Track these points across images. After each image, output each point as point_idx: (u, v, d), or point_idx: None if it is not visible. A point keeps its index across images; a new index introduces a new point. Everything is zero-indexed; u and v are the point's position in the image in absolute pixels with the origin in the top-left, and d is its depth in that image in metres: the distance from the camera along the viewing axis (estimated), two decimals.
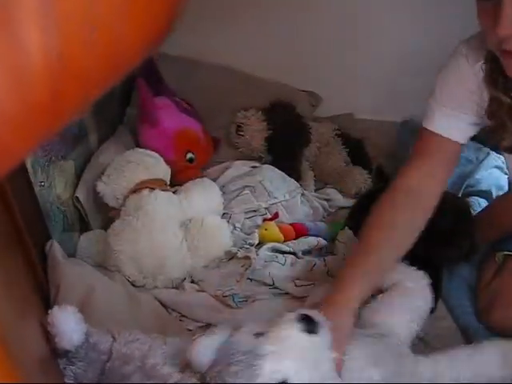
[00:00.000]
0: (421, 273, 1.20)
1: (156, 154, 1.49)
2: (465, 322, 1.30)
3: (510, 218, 1.36)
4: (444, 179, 1.18)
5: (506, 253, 1.31)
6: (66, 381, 0.90)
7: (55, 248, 1.21)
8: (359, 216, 1.49)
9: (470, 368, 1.06)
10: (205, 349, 0.85)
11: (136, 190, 1.39)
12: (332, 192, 1.69)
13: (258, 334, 0.84)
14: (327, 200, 1.66)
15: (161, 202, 1.35)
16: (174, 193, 1.45)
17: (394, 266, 1.13)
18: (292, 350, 0.81)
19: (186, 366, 0.89)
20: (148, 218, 1.30)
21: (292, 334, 0.82)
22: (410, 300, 1.15)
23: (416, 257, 1.25)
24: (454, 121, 1.11)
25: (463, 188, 1.65)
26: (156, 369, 0.88)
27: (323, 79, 2.03)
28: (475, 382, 1.06)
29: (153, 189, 1.39)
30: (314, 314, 0.85)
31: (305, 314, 0.84)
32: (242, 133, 1.73)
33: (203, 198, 1.45)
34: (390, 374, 1.00)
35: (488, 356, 1.08)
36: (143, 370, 0.88)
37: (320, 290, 1.20)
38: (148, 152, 1.50)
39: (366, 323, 1.10)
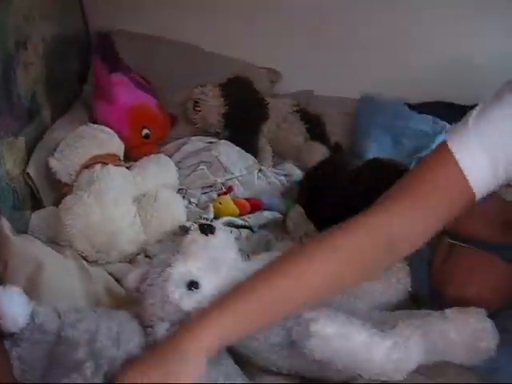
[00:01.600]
0: None
1: (109, 130, 1.48)
2: (419, 291, 1.31)
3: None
4: (432, 231, 0.90)
5: (449, 241, 1.31)
6: (12, 362, 0.88)
7: (3, 224, 1.19)
8: (307, 192, 1.50)
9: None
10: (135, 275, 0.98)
11: (89, 165, 1.38)
12: (290, 167, 1.69)
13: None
14: (285, 175, 1.66)
15: (114, 177, 1.34)
16: (128, 168, 1.43)
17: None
18: (193, 252, 0.94)
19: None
20: (100, 193, 1.29)
21: (192, 238, 0.96)
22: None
23: None
24: (487, 164, 0.84)
25: (414, 158, 1.66)
26: (104, 351, 0.87)
27: (284, 56, 2.02)
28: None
29: (106, 164, 1.38)
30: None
31: (203, 223, 1.01)
32: (198, 109, 1.72)
33: (158, 174, 1.44)
34: None
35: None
36: (92, 353, 0.86)
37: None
38: (101, 127, 1.48)
39: None
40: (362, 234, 0.87)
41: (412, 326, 1.01)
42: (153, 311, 0.91)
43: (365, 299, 1.14)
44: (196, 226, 1.01)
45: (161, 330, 0.88)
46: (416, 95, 1.98)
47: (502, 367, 1.08)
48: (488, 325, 1.06)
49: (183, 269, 0.91)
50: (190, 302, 0.89)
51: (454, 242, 1.30)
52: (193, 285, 0.90)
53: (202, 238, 0.96)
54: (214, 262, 0.95)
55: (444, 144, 0.87)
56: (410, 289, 1.19)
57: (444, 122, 1.88)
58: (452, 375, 1.07)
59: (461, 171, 0.84)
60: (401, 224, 0.87)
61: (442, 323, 1.08)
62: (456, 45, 1.89)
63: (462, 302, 1.20)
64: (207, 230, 0.97)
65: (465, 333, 1.07)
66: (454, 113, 1.92)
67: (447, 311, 1.10)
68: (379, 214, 0.88)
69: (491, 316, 1.21)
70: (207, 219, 1.37)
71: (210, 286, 0.91)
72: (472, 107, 0.92)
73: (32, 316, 0.88)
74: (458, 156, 0.85)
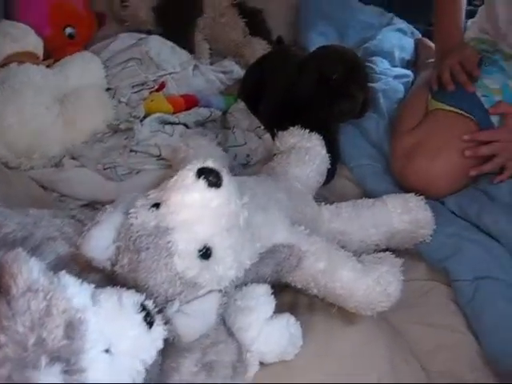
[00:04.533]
0: (314, 134, 1.16)
1: (24, 25, 1.36)
2: (372, 184, 1.25)
3: None
4: None
5: (444, 106, 1.26)
6: None
7: None
8: (250, 86, 1.41)
9: (373, 215, 1.05)
10: (99, 241, 0.74)
11: (3, 64, 1.28)
12: (229, 64, 1.59)
13: (156, 206, 0.74)
14: (224, 72, 1.56)
15: (30, 75, 1.23)
16: (48, 67, 1.31)
17: None
18: (200, 211, 0.71)
19: (86, 265, 0.77)
20: (16, 91, 1.18)
21: (194, 194, 0.71)
22: (306, 157, 1.11)
23: (308, 120, 1.20)
24: None
25: (362, 49, 1.58)
26: (8, 237, 0.79)
27: None
28: (378, 229, 1.05)
29: (22, 62, 1.26)
30: (211, 163, 0.73)
31: (203, 167, 0.72)
32: (126, 3, 1.59)
33: (82, 72, 1.32)
34: (292, 205, 0.96)
35: (390, 205, 1.06)
36: None
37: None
38: (16, 23, 1.37)
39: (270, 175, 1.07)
40: None
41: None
42: (159, 292, 0.72)
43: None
44: (192, 169, 0.72)
45: (173, 310, 0.72)
46: None
47: None
48: (429, 214, 1.07)
49: (191, 235, 0.71)
50: (209, 273, 0.73)
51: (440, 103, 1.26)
52: (206, 253, 0.73)
53: (207, 192, 0.71)
54: (227, 218, 0.74)
55: None
56: (328, 166, 1.15)
57: (391, 14, 1.80)
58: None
59: None
60: None
61: (386, 212, 1.05)
62: None
63: (426, 178, 1.17)
64: (215, 180, 0.71)
65: (407, 221, 1.05)
66: (400, 2, 1.85)
67: (387, 200, 1.07)
68: None
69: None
70: (137, 117, 1.27)
71: (222, 245, 0.74)
72: None
73: None
74: None
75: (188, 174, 0.71)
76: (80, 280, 0.66)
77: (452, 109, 1.24)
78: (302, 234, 0.89)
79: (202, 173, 0.70)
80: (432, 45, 1.64)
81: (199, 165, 0.71)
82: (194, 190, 0.70)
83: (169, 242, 0.70)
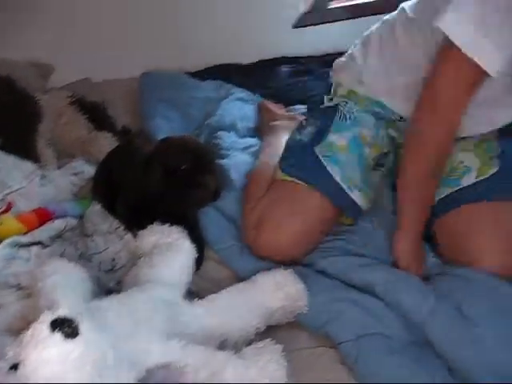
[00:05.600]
0: (175, 228, 1.15)
1: None
2: (240, 265, 1.26)
3: None
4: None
5: (286, 177, 1.28)
6: None
7: None
8: (102, 185, 1.38)
9: (247, 300, 1.05)
10: None
11: None
12: (79, 164, 1.54)
13: (14, 367, 0.69)
14: (75, 174, 1.51)
15: None
16: None
17: None
18: (62, 365, 0.68)
19: None
20: None
21: (52, 350, 0.68)
22: (170, 254, 1.10)
23: (165, 214, 1.20)
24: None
25: (205, 126, 1.61)
26: None
27: (53, 46, 1.85)
28: (255, 313, 1.05)
29: None
30: (66, 312, 0.71)
31: (56, 319, 0.70)
32: None
33: None
34: (160, 317, 0.93)
35: (262, 285, 1.07)
36: None
37: None
38: None
39: (136, 283, 1.04)
40: None
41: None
42: None
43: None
44: (45, 322, 0.69)
45: None
46: (197, 62, 1.94)
47: None
48: (301, 286, 1.09)
49: None
50: None
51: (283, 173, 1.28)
52: None
53: (64, 345, 0.68)
54: (92, 364, 0.70)
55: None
56: (196, 254, 1.14)
57: (229, 85, 1.86)
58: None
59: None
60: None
61: (260, 294, 1.06)
62: None
63: (276, 248, 1.19)
64: (71, 331, 0.69)
65: (281, 297, 1.07)
66: (237, 73, 1.93)
67: (259, 280, 1.09)
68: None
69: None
70: None
71: None
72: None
73: None
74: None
75: (42, 328, 0.68)
76: None
77: (292, 179, 1.27)
78: (176, 347, 0.87)
79: (56, 325, 0.67)
80: (273, 108, 1.70)
81: (52, 316, 0.68)
82: (50, 346, 0.67)
83: None
